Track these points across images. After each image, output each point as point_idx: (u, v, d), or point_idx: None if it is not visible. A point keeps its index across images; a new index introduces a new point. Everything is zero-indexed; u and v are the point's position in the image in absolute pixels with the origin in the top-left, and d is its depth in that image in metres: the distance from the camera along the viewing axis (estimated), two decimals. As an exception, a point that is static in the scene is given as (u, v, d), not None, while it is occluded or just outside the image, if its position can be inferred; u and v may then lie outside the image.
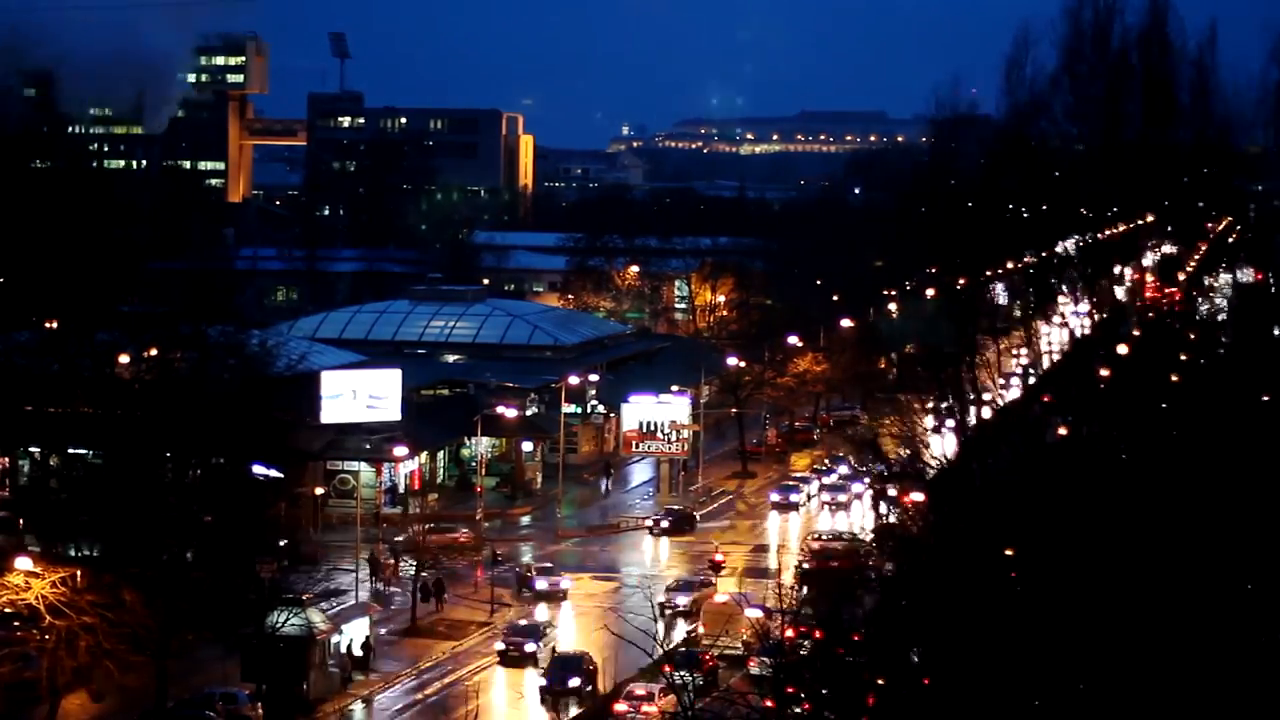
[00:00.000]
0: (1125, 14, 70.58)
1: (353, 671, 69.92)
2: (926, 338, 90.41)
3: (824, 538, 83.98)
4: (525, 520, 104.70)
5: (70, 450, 75.36)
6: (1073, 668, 40.72)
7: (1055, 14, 70.81)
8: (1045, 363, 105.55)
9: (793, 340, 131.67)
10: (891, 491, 66.21)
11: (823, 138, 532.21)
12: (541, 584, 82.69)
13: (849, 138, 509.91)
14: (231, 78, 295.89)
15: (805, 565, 75.41)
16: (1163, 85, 71.26)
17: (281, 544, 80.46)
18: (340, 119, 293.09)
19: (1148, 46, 70.46)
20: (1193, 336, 74.22)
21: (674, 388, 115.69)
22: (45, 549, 63.84)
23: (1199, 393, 58.87)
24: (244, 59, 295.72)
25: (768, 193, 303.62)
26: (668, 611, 77.32)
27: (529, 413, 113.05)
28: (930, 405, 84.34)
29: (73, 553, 63.11)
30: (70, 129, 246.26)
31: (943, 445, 71.47)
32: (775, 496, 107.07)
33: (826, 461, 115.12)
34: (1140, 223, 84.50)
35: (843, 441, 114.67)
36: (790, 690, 44.28)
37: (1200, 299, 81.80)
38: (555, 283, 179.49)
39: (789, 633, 46.91)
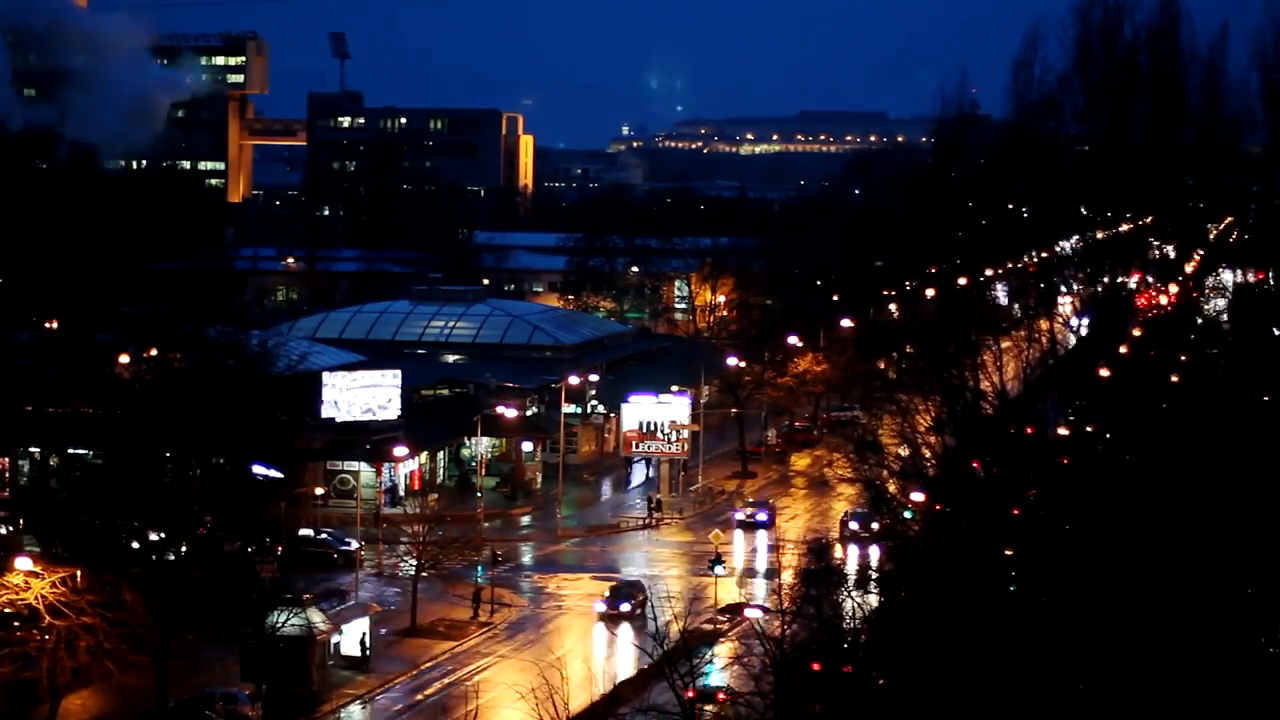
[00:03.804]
0: (1135, 14, 70.29)
1: (353, 671, 69.95)
2: (926, 338, 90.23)
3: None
4: (525, 520, 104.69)
5: (70, 450, 75.36)
6: (1073, 668, 40.71)
7: (1063, 13, 70.49)
8: (1046, 362, 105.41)
9: (793, 340, 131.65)
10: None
11: (823, 138, 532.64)
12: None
13: (849, 138, 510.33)
14: (231, 78, 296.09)
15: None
16: (1172, 86, 70.93)
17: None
18: (340, 119, 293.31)
19: (1158, 47, 70.15)
20: (1193, 336, 74.05)
21: (674, 388, 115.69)
22: (45, 549, 63.86)
23: (1199, 393, 58.81)
24: (244, 59, 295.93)
25: (768, 193, 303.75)
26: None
27: (529, 413, 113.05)
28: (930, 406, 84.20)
29: (72, 553, 63.09)
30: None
31: (943, 445, 71.48)
32: (740, 515, 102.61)
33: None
34: (1142, 223, 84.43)
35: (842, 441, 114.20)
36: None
37: (1200, 299, 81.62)
38: (555, 283, 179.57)
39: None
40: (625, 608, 79.65)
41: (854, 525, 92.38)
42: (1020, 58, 68.52)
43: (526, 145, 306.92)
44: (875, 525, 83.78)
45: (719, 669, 64.83)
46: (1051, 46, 69.39)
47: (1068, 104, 69.60)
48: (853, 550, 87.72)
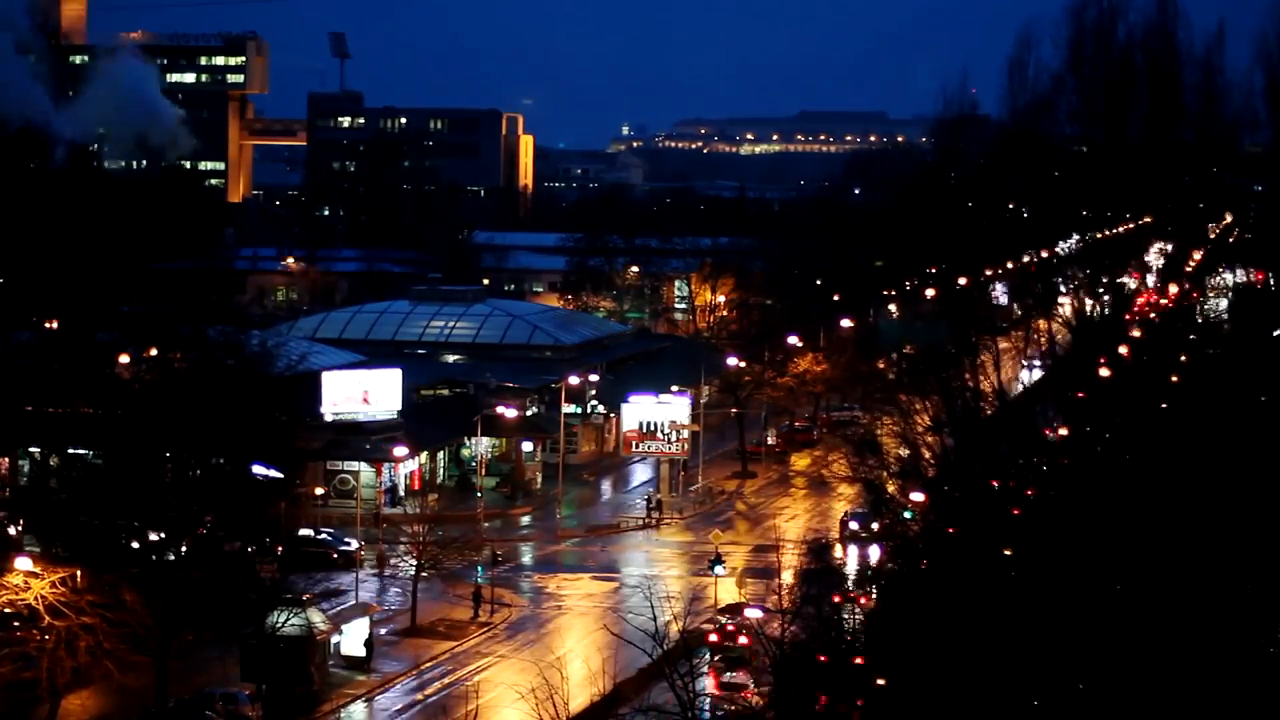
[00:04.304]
0: (1129, 14, 70.36)
1: (353, 671, 69.95)
2: (926, 338, 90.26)
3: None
4: (525, 520, 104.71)
5: (70, 450, 75.34)
6: (1073, 668, 40.71)
7: (1058, 13, 70.56)
8: (1046, 363, 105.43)
9: (793, 340, 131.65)
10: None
11: (823, 138, 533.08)
12: None
13: (849, 138, 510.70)
14: (231, 78, 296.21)
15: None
16: (1168, 85, 70.92)
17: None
18: (340, 119, 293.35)
19: (1152, 46, 70.17)
20: (1193, 336, 74.12)
21: (674, 388, 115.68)
22: (45, 549, 63.85)
23: (1199, 393, 58.81)
24: (244, 59, 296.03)
25: (768, 193, 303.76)
26: None
27: (529, 413, 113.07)
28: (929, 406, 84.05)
29: (72, 553, 63.07)
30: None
31: (943, 444, 71.49)
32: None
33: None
34: (1141, 223, 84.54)
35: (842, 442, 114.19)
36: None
37: (1200, 299, 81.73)
38: (555, 283, 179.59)
39: None
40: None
41: (854, 525, 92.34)
42: (1014, 58, 68.63)
43: (526, 145, 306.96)
44: (875, 525, 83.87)
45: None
46: (1045, 47, 69.44)
47: (1062, 104, 69.71)
48: (853, 550, 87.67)
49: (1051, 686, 40.95)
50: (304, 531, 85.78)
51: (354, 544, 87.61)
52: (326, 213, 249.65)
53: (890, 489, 63.14)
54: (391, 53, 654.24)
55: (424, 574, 79.46)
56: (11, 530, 71.20)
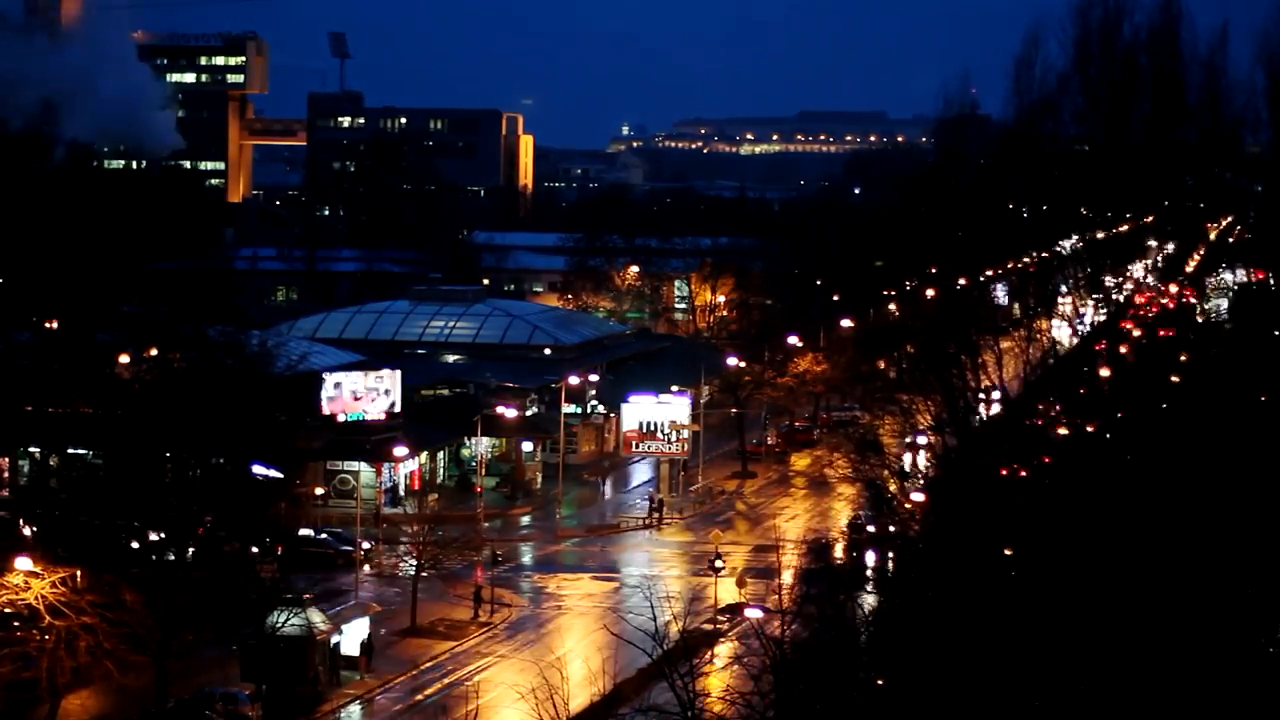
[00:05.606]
0: (1135, 14, 70.46)
1: (353, 671, 69.90)
2: (926, 338, 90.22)
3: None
4: (525, 520, 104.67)
5: (70, 450, 75.29)
6: (1073, 668, 40.70)
7: (1063, 13, 70.63)
8: (1046, 362, 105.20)
9: (793, 340, 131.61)
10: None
11: (823, 138, 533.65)
12: None
13: (849, 138, 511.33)
14: (231, 78, 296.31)
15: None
16: (1172, 85, 70.96)
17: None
18: (340, 119, 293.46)
19: (1157, 47, 70.23)
20: (1193, 336, 74.14)
21: (674, 388, 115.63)
22: (45, 549, 63.78)
23: (1199, 393, 58.82)
24: (244, 59, 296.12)
25: (768, 193, 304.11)
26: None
27: (529, 413, 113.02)
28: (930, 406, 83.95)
29: (72, 553, 63.01)
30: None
31: (944, 444, 71.44)
32: None
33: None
34: (1141, 223, 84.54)
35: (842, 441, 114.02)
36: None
37: (1200, 299, 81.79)
38: (555, 283, 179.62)
39: None
40: None
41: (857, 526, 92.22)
42: (1021, 57, 68.66)
43: (526, 145, 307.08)
44: (873, 526, 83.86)
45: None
46: (1051, 46, 69.45)
47: (1067, 104, 69.75)
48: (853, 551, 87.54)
49: (1052, 686, 40.93)
50: (304, 531, 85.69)
51: (366, 544, 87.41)
52: (326, 213, 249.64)
53: (891, 488, 63.11)
54: (391, 53, 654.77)
55: (424, 574, 79.37)
56: (27, 531, 71.10)
